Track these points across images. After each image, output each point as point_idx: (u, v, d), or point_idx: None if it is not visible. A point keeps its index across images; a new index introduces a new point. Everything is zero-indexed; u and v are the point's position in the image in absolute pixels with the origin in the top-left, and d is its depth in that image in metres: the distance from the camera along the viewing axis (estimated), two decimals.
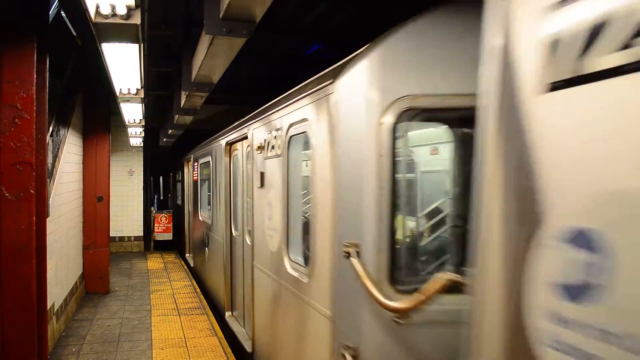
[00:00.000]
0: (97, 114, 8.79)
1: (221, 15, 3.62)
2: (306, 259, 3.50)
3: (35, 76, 3.74)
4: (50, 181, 5.80)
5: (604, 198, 1.05)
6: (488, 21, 1.41)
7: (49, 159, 5.65)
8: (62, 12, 5.49)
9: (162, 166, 19.18)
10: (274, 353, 4.31)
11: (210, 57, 4.52)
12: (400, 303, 2.29)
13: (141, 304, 8.14)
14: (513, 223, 1.30)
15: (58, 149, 6.54)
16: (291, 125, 3.66)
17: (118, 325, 6.91)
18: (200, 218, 9.62)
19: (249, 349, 5.16)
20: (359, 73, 2.64)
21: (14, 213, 3.73)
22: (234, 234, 6.49)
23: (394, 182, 2.52)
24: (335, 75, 2.84)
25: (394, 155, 2.51)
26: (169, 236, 14.85)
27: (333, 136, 2.86)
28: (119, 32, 3.27)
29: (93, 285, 8.76)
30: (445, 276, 2.08)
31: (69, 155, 7.24)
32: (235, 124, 6.31)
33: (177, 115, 8.31)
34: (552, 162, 1.20)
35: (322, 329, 3.05)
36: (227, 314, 6.64)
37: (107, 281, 8.92)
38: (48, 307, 4.72)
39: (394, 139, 2.51)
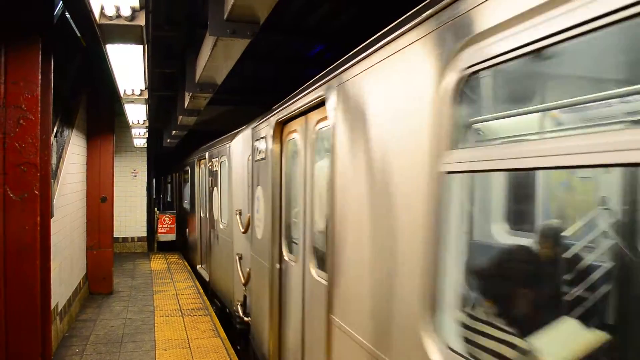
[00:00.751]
0: (101, 115, 8.81)
1: (225, 16, 3.62)
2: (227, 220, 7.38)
3: (40, 77, 3.75)
4: (54, 182, 5.82)
5: (259, 191, 4.59)
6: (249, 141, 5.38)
7: (53, 160, 5.67)
8: (66, 14, 5.51)
9: (166, 167, 19.19)
10: (216, 274, 8.38)
11: (214, 58, 4.52)
12: (239, 226, 5.63)
13: (144, 304, 8.15)
14: (252, 198, 5.03)
15: (62, 149, 6.56)
16: (220, 156, 7.91)
17: (121, 326, 6.92)
18: (183, 206, 14.31)
19: (207, 279, 9.25)
20: (238, 139, 6.47)
21: (18, 213, 3.74)
22: (201, 215, 10.19)
23: (252, 184, 5.07)
24: (231, 139, 6.89)
25: (252, 173, 5.07)
26: (172, 237, 14.85)
27: (230, 163, 6.91)
28: (123, 33, 3.27)
29: (96, 285, 8.78)
30: (247, 214, 5.26)
31: (73, 156, 7.26)
32: (200, 149, 10.88)
33: (181, 116, 8.32)
34: (255, 179, 4.85)
35: (230, 249, 6.77)
36: (199, 266, 10.45)
37: (110, 282, 8.94)
38: (52, 308, 4.73)
39: (253, 166, 5.04)
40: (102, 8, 2.98)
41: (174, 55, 7.39)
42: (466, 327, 1.78)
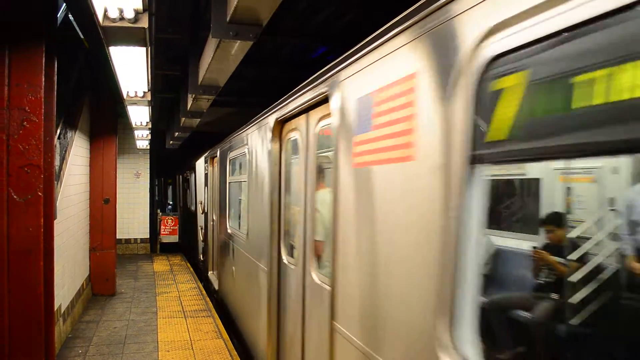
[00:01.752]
0: (104, 117, 8.83)
1: (228, 18, 3.62)
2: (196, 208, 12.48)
3: (43, 79, 3.76)
4: (57, 183, 5.84)
5: (206, 189, 10.26)
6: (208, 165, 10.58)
7: (57, 162, 5.68)
8: (69, 16, 5.53)
9: (169, 169, 19.26)
10: (189, 243, 13.73)
11: (217, 61, 4.53)
12: (200, 211, 11.13)
13: (147, 306, 8.16)
14: (205, 194, 10.63)
15: (65, 151, 6.58)
16: (194, 169, 12.73)
17: (124, 327, 6.93)
18: (167, 203, 20.97)
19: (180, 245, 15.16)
20: (199, 161, 11.74)
21: (22, 215, 3.75)
22: (180, 207, 15.82)
23: (205, 186, 10.27)
24: (196, 160, 12.33)
25: (205, 180, 10.36)
26: (175, 238, 14.87)
27: (195, 174, 12.61)
28: (126, 35, 3.28)
29: (99, 287, 8.80)
30: (201, 201, 11.08)
31: (76, 158, 7.28)
32: (185, 165, 15.61)
33: (184, 118, 8.34)
34: (206, 183, 10.46)
35: (196, 225, 11.94)
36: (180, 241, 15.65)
37: (113, 283, 8.96)
38: (55, 309, 4.74)
39: (205, 176, 10.38)
40: (106, 10, 2.99)
41: (176, 58, 7.41)
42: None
